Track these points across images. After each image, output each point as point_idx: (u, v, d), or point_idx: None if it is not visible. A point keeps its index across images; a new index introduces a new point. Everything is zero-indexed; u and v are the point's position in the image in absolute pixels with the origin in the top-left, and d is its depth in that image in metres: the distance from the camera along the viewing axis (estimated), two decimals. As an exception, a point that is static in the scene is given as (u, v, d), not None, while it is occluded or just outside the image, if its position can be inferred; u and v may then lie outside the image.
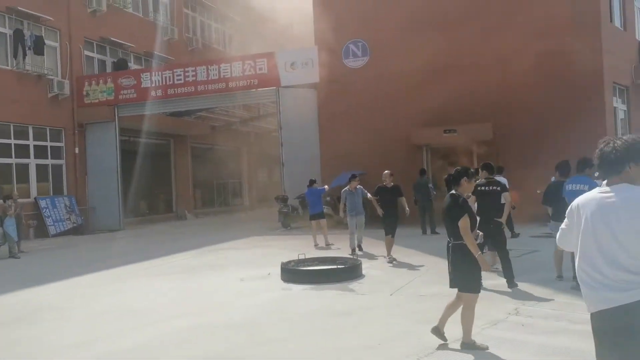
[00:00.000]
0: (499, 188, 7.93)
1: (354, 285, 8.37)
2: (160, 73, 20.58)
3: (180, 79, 20.02)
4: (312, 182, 13.85)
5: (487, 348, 5.08)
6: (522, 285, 7.62)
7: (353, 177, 11.75)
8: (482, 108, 16.33)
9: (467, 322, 5.13)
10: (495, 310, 6.54)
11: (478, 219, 6.29)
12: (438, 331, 5.25)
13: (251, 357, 5.19)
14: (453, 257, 5.16)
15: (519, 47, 16.12)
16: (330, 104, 17.97)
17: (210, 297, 8.10)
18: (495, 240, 7.92)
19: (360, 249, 11.52)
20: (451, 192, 5.30)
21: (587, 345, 5.03)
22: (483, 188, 7.92)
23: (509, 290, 7.50)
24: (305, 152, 18.49)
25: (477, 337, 5.53)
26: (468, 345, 5.10)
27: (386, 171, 10.90)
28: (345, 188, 11.74)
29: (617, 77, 17.07)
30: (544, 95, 15.89)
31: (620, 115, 17.92)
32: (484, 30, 16.54)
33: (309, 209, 13.75)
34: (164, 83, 20.24)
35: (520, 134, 15.96)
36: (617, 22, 18.07)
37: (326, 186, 14.17)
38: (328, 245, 12.69)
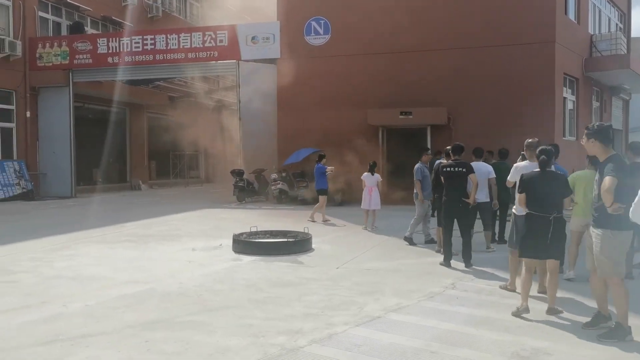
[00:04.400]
0: (464, 170, 8.02)
1: (303, 258, 8.63)
2: (117, 39, 20.14)
3: (139, 47, 19.65)
4: (320, 157, 13.42)
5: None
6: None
7: (425, 149, 10.51)
8: (438, 93, 16.77)
9: (555, 289, 5.70)
10: (434, 284, 6.92)
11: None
12: (555, 310, 5.62)
13: (198, 322, 5.37)
14: (556, 229, 5.56)
15: (476, 34, 16.59)
16: (290, 81, 18.02)
17: (162, 265, 8.22)
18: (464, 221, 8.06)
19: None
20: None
21: (509, 317, 5.48)
22: (450, 169, 8.07)
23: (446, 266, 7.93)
24: (263, 127, 18.56)
25: (414, 308, 5.88)
26: (553, 310, 5.61)
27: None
28: (419, 164, 9.96)
29: (568, 69, 17.75)
30: (497, 84, 16.44)
31: (569, 105, 18.68)
32: (446, 16, 16.92)
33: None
34: (121, 50, 19.82)
35: (473, 120, 16.48)
36: (571, 15, 18.70)
37: (331, 167, 13.53)
38: (324, 221, 12.76)
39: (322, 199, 13.12)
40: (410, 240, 9.78)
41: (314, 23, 18.21)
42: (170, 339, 4.87)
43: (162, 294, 6.46)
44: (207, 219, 14.22)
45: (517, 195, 6.01)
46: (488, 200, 9.06)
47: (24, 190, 20.08)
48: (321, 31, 18.16)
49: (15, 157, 20.71)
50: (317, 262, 8.37)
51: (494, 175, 9.05)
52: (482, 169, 8.98)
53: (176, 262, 8.44)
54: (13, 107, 20.78)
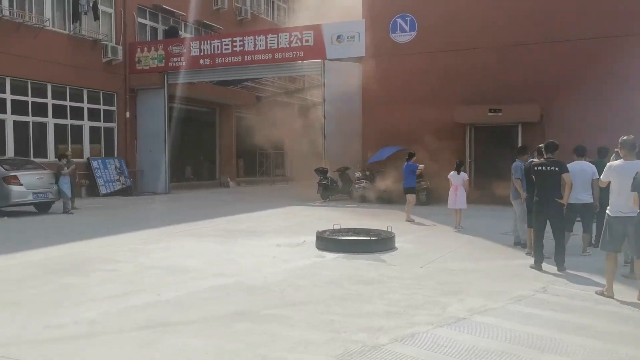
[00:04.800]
0: (557, 169, 7.62)
1: (386, 256, 8.58)
2: (209, 42, 20.98)
3: (228, 49, 20.37)
4: (410, 155, 13.18)
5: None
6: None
7: (524, 149, 9.65)
8: (529, 89, 16.08)
9: None
10: (523, 287, 6.65)
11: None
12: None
13: (281, 316, 5.50)
14: None
15: (570, 26, 15.75)
16: (375, 79, 17.98)
17: (248, 260, 8.47)
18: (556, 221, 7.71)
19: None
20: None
21: (603, 324, 5.15)
22: (542, 168, 7.73)
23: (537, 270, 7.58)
24: (348, 126, 18.64)
25: (500, 311, 5.68)
26: None
27: None
28: (517, 162, 9.22)
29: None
30: (595, 78, 15.50)
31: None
32: (538, 8, 16.20)
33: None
34: (212, 52, 20.65)
35: (567, 116, 15.66)
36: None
37: (422, 165, 13.37)
38: (409, 221, 12.60)
39: (411, 197, 12.97)
40: (521, 244, 9.34)
41: (399, 20, 18.03)
42: (255, 331, 5.02)
43: (248, 287, 6.67)
44: (292, 216, 14.50)
45: (611, 196, 5.65)
46: (592, 201, 8.61)
47: (124, 186, 21.45)
48: (407, 28, 17.96)
49: (116, 155, 22.16)
50: (399, 260, 8.30)
51: (598, 176, 8.52)
52: (587, 169, 8.59)
53: (261, 257, 8.68)
54: (114, 108, 22.25)
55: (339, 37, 18.69)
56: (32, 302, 5.96)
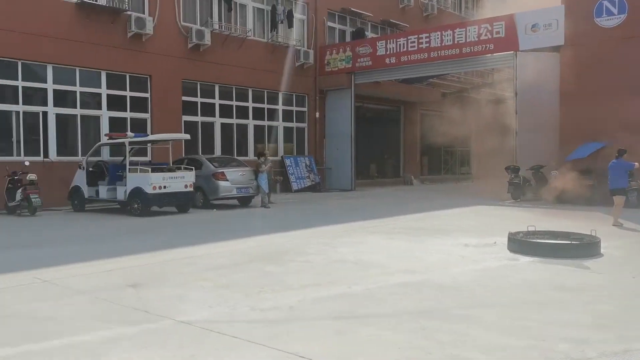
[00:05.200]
0: None
1: (589, 263, 7.80)
2: (394, 40, 21.15)
3: (414, 46, 20.31)
4: (621, 152, 11.85)
5: None
6: None
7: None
8: None
9: None
10: None
11: None
12: None
13: (472, 317, 5.30)
14: None
15: None
16: (576, 68, 16.45)
17: (434, 258, 8.36)
18: None
19: None
20: None
21: None
22: None
23: None
24: (542, 120, 17.35)
25: None
26: None
27: None
28: None
29: None
30: None
31: None
32: None
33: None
34: (397, 50, 20.78)
35: None
36: None
37: (636, 163, 11.81)
38: (616, 225, 11.38)
39: (619, 199, 11.57)
40: None
41: (606, 3, 16.25)
42: (445, 329, 4.92)
43: (436, 285, 6.57)
44: (479, 215, 13.96)
45: None
46: None
47: (313, 182, 22.68)
48: (615, 11, 16.11)
49: (306, 153, 23.53)
50: (606, 268, 7.48)
51: None
52: None
53: (448, 255, 8.49)
54: (305, 109, 23.64)
55: (533, 26, 17.47)
56: (239, 286, 6.58)
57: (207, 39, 19.16)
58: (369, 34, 25.26)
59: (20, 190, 14.03)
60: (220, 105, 20.58)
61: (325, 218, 13.56)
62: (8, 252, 9.21)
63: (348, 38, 24.79)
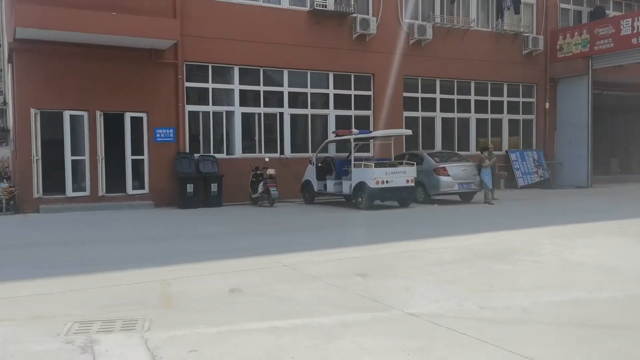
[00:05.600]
0: None
1: None
2: (643, 17, 18.48)
3: (671, 21, 17.50)
4: None
5: None
6: None
7: None
8: None
9: None
10: None
11: None
12: None
13: None
14: None
15: None
16: None
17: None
18: None
19: None
20: None
21: None
22: None
23: None
24: None
25: None
26: None
27: None
28: None
29: None
30: None
31: None
32: None
33: None
34: (647, 28, 18.13)
35: None
36: None
37: None
38: None
39: None
40: None
41: None
42: None
43: None
44: None
45: None
46: None
47: (542, 178, 21.12)
48: None
49: (534, 147, 21.97)
50: None
51: None
52: None
53: None
54: (533, 99, 22.08)
55: None
56: (466, 282, 6.40)
57: (429, 34, 19.10)
58: (610, 13, 22.49)
59: (261, 183, 15.74)
60: (440, 99, 20.36)
61: (555, 216, 12.48)
62: (254, 237, 10.39)
63: (585, 19, 22.43)
